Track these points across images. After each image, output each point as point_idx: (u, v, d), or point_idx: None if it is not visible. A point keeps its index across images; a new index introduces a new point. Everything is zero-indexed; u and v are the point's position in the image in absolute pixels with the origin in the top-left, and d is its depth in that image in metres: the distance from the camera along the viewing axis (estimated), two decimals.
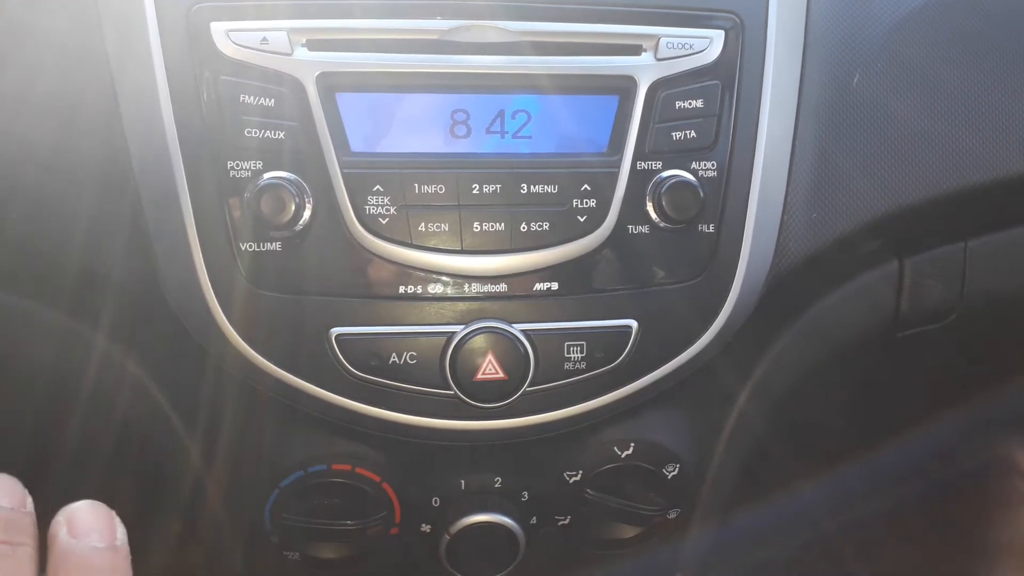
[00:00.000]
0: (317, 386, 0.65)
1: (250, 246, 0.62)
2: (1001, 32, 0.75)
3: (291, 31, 0.61)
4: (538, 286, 0.66)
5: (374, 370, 0.64)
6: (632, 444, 0.75)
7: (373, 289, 0.64)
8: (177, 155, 0.61)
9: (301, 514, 0.72)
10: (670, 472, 0.76)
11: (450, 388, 0.65)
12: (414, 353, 0.65)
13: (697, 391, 0.76)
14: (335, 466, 0.71)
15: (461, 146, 0.65)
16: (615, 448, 0.75)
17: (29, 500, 0.46)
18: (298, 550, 0.74)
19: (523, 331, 0.65)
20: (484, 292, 0.65)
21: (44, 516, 0.47)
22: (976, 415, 1.10)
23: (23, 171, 0.63)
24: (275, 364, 0.64)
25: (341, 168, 0.62)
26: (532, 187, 0.65)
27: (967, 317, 0.86)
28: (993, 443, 1.14)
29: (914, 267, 0.83)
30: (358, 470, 0.71)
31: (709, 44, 0.66)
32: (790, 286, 0.74)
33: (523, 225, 0.65)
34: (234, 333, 0.63)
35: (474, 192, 0.64)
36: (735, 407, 0.80)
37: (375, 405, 0.65)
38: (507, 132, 0.65)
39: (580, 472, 0.74)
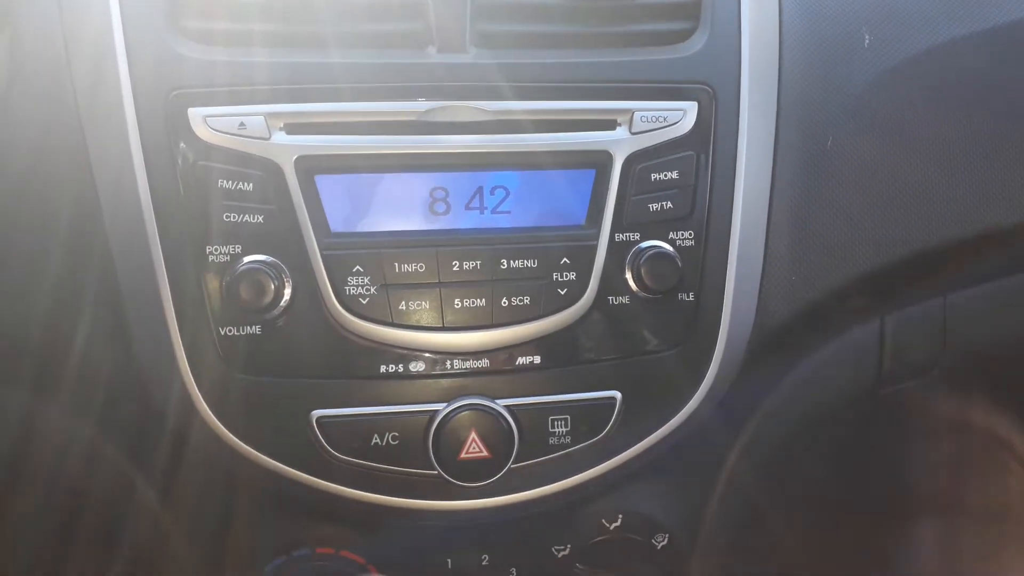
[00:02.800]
0: (299, 470, 0.64)
1: (230, 330, 0.62)
2: (974, 87, 0.77)
3: (268, 115, 0.62)
4: (520, 360, 0.66)
5: (356, 452, 0.64)
6: (620, 516, 0.74)
7: (354, 370, 0.64)
8: (155, 240, 0.62)
9: None
10: (659, 542, 0.76)
11: (433, 468, 0.64)
12: (396, 433, 0.64)
13: (684, 458, 0.75)
14: (319, 550, 0.70)
15: (441, 223, 0.66)
16: (603, 520, 0.74)
17: None
18: None
19: (506, 407, 0.65)
20: (466, 368, 0.65)
21: None
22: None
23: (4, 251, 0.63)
24: (256, 449, 0.63)
25: (320, 250, 0.63)
26: (512, 262, 0.65)
27: (950, 371, 0.87)
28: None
29: (895, 323, 0.84)
30: (343, 553, 0.70)
31: (683, 116, 0.67)
32: (774, 348, 0.74)
33: (504, 300, 0.65)
34: (214, 418, 0.63)
35: (455, 269, 0.64)
36: (723, 472, 0.80)
37: (358, 488, 0.65)
38: (486, 208, 0.66)
39: (568, 546, 0.74)
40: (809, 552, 0.98)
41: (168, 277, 0.62)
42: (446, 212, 0.65)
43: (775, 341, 0.74)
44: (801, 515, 0.96)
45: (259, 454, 0.63)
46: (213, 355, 0.62)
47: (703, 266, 0.68)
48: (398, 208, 0.65)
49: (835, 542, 1.00)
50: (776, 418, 0.81)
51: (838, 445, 0.92)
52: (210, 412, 0.63)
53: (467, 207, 0.66)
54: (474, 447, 0.64)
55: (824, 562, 1.01)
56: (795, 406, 0.82)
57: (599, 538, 0.74)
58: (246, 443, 0.63)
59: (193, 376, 0.62)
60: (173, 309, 0.62)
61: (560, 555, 0.74)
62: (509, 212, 0.66)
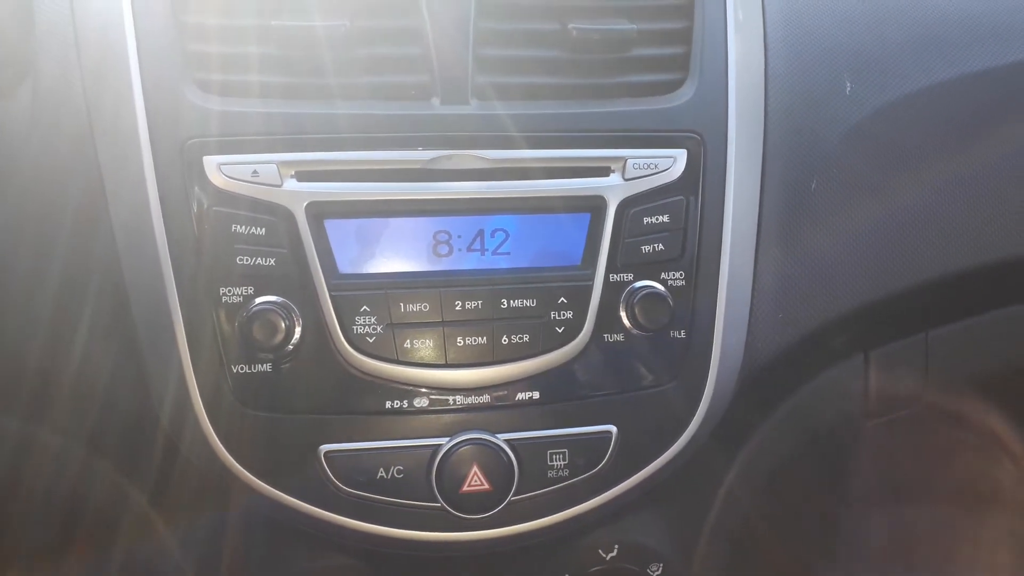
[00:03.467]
0: (307, 503, 0.66)
1: (242, 368, 0.65)
2: (951, 135, 0.79)
3: (280, 163, 0.65)
4: (520, 396, 0.68)
5: (363, 485, 0.66)
6: (616, 546, 0.76)
7: (361, 405, 0.66)
8: (171, 282, 0.64)
9: None
10: (654, 572, 0.78)
11: (436, 500, 0.67)
12: (401, 467, 0.66)
13: (678, 489, 0.78)
14: None
15: (444, 264, 0.68)
16: (600, 550, 0.76)
17: None
18: None
19: (507, 441, 0.68)
20: (468, 403, 0.68)
21: None
22: None
23: (19, 294, 0.65)
24: (266, 483, 0.66)
25: (330, 290, 0.65)
26: (512, 301, 0.68)
27: (933, 403, 0.89)
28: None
29: (878, 358, 0.86)
30: None
31: (673, 163, 0.70)
32: (762, 383, 0.77)
33: (504, 338, 0.68)
34: (226, 453, 0.65)
35: (457, 308, 0.67)
36: (716, 501, 0.82)
37: (364, 520, 0.67)
38: (487, 250, 0.69)
39: None
40: None
41: (183, 317, 0.64)
42: (448, 254, 0.68)
43: (764, 375, 0.76)
44: (794, 541, 0.98)
45: (269, 487, 0.66)
46: (226, 392, 0.65)
47: (694, 305, 0.71)
48: (403, 251, 0.68)
49: (832, 567, 1.02)
50: (766, 449, 0.83)
51: (830, 471, 0.94)
52: (223, 447, 0.65)
53: (469, 249, 0.68)
54: (476, 480, 0.66)
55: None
56: (784, 437, 0.84)
57: (596, 568, 0.76)
58: (257, 477, 0.66)
59: (207, 413, 0.65)
60: (188, 348, 0.64)
61: None
62: (509, 254, 0.69)
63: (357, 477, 0.66)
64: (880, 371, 0.87)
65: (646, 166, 0.70)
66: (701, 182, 0.71)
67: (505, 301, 0.68)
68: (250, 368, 0.65)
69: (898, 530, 1.04)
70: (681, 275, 0.71)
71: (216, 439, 0.65)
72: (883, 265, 0.79)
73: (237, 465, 0.65)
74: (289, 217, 0.65)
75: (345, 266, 0.67)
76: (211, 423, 0.65)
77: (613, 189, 0.69)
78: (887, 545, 1.04)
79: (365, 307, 0.66)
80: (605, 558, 0.76)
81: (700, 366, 0.72)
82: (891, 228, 0.79)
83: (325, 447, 0.66)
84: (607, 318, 0.69)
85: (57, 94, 0.65)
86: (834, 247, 0.78)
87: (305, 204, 0.65)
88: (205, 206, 0.64)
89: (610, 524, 0.76)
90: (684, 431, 0.72)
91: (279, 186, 0.65)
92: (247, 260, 0.64)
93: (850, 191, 0.78)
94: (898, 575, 1.06)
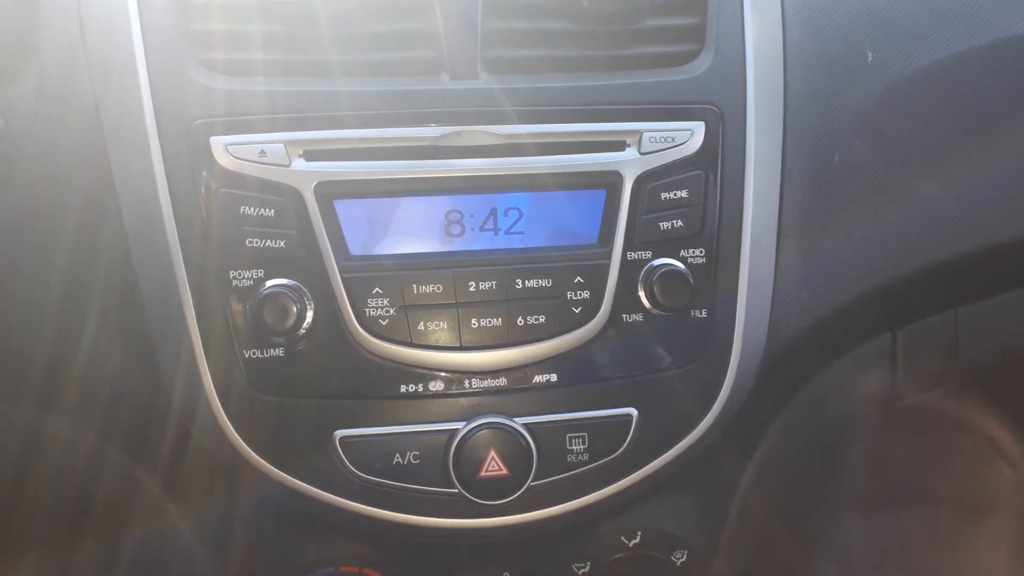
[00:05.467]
0: (323, 490, 0.65)
1: (254, 353, 0.63)
2: (976, 103, 0.77)
3: (288, 143, 0.63)
4: (537, 378, 0.67)
5: (378, 471, 0.65)
6: (639, 533, 0.75)
7: (375, 390, 0.65)
8: (180, 266, 0.63)
9: None
10: (678, 559, 0.76)
11: (454, 486, 0.65)
12: (417, 453, 0.65)
13: (701, 474, 0.76)
14: (343, 568, 0.70)
15: (456, 245, 0.67)
16: (622, 537, 0.74)
17: None
18: None
19: (524, 425, 0.66)
20: (484, 387, 0.66)
21: None
22: None
23: (29, 281, 0.64)
24: (281, 469, 0.64)
25: (341, 272, 0.64)
26: (527, 281, 0.66)
27: (963, 384, 0.87)
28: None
29: (907, 337, 0.84)
30: (365, 571, 0.71)
31: (691, 136, 0.68)
32: (786, 364, 0.74)
33: (520, 319, 0.66)
34: (240, 440, 0.64)
35: (471, 289, 0.66)
36: (740, 487, 0.80)
37: (380, 507, 0.65)
38: (500, 229, 0.67)
39: (588, 564, 0.74)
40: (828, 563, 0.98)
41: (193, 302, 0.63)
42: (461, 234, 0.67)
43: (788, 356, 0.74)
44: (819, 526, 0.96)
45: (284, 474, 0.64)
46: (238, 378, 0.64)
47: (715, 283, 0.69)
48: (415, 231, 0.66)
49: (855, 552, 1.00)
50: (791, 432, 0.81)
51: (855, 456, 0.92)
52: (236, 434, 0.64)
53: (481, 228, 0.67)
54: (493, 465, 0.65)
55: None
56: (809, 420, 0.82)
57: (618, 555, 0.74)
58: (272, 464, 0.64)
59: (219, 399, 0.63)
60: (199, 333, 0.63)
61: (580, 572, 0.74)
62: (523, 233, 0.68)
63: (373, 463, 0.65)
64: (907, 351, 0.85)
65: (663, 139, 0.68)
66: (720, 156, 0.69)
67: (520, 281, 0.66)
68: (262, 353, 0.64)
69: (929, 514, 1.01)
70: (701, 252, 0.69)
71: (229, 425, 0.64)
72: (912, 239, 0.76)
73: (250, 451, 0.64)
74: (298, 198, 0.63)
75: (356, 247, 0.65)
76: (223, 409, 0.64)
77: (629, 164, 0.67)
78: (918, 529, 1.01)
79: (377, 289, 0.64)
80: (628, 545, 0.74)
81: (722, 347, 0.70)
82: (920, 200, 0.76)
83: (340, 432, 0.64)
84: (625, 297, 0.67)
85: (62, 77, 0.64)
86: (860, 221, 0.75)
87: (314, 184, 0.63)
88: (213, 188, 0.63)
89: (633, 510, 0.74)
90: (707, 414, 0.70)
91: (287, 166, 0.63)
92: (256, 242, 0.63)
93: (875, 163, 0.76)
94: (931, 558, 1.04)
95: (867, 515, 1.00)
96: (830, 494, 0.95)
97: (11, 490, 0.71)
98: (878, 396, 0.85)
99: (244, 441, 0.64)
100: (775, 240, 0.72)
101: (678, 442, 0.69)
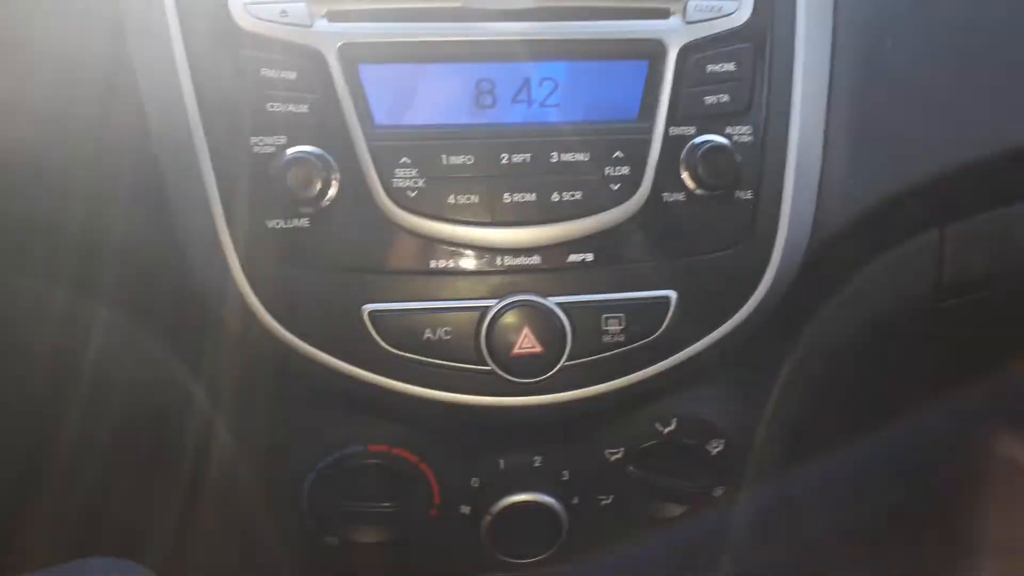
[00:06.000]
0: (351, 364, 0.63)
1: (278, 223, 0.61)
2: None
3: (310, 2, 0.60)
4: (572, 258, 0.64)
5: (409, 347, 0.63)
6: (675, 420, 0.73)
7: (404, 264, 0.63)
8: (199, 132, 0.61)
9: (338, 496, 0.71)
10: (714, 448, 0.74)
11: (486, 363, 0.63)
12: (449, 328, 0.63)
13: (740, 364, 0.73)
14: (371, 447, 0.70)
15: (488, 117, 0.64)
16: (657, 424, 0.73)
17: None
18: (336, 535, 0.73)
19: (558, 304, 0.64)
20: (517, 265, 0.64)
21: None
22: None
23: (45, 148, 0.62)
24: (307, 343, 0.63)
25: (367, 140, 0.61)
26: (563, 155, 0.63)
27: (1010, 286, 0.84)
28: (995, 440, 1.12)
29: (955, 235, 0.81)
30: (394, 451, 0.70)
31: (739, 6, 0.65)
32: (830, 255, 0.72)
33: (555, 195, 0.63)
34: (264, 312, 0.62)
35: (503, 162, 0.63)
36: (779, 380, 0.78)
37: (411, 383, 0.64)
38: (534, 101, 0.64)
39: (622, 450, 0.73)
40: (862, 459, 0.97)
41: (214, 170, 0.61)
42: (492, 105, 0.64)
43: (833, 246, 0.71)
44: (857, 423, 0.94)
45: (313, 349, 0.63)
46: (262, 249, 0.62)
47: (762, 163, 0.66)
48: (444, 100, 0.63)
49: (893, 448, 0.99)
50: (833, 327, 0.79)
51: (895, 354, 0.89)
52: (261, 307, 0.62)
53: (514, 100, 0.64)
54: (527, 342, 0.63)
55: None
56: (852, 315, 0.79)
57: (652, 442, 0.73)
58: (299, 338, 0.63)
59: (243, 271, 0.62)
60: (220, 203, 0.61)
61: (612, 458, 0.73)
62: (558, 105, 0.64)
63: (403, 338, 0.63)
64: (956, 248, 0.82)
65: (709, 9, 0.64)
66: (770, 29, 0.66)
67: (555, 154, 0.63)
68: (286, 223, 0.61)
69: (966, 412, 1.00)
70: (748, 130, 0.65)
71: (254, 297, 0.62)
72: (967, 128, 0.73)
73: (277, 325, 0.62)
74: (321, 60, 0.60)
75: (382, 116, 0.63)
76: (248, 280, 0.62)
77: (673, 33, 0.64)
78: (951, 427, 1.00)
79: (405, 159, 0.62)
80: (662, 432, 0.73)
81: (767, 231, 0.67)
82: (977, 87, 0.73)
83: (369, 307, 0.63)
84: (667, 175, 0.64)
85: None
86: (912, 110, 0.72)
87: (337, 46, 0.60)
88: (232, 50, 0.60)
89: (669, 397, 0.72)
90: (748, 300, 0.67)
91: (309, 27, 0.60)
92: (278, 107, 0.60)
93: (930, 48, 0.72)
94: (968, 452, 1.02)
95: (904, 414, 0.98)
96: (869, 392, 0.93)
97: (49, 380, 0.70)
98: (922, 295, 0.83)
99: (270, 315, 0.62)
100: (824, 122, 0.69)
101: (717, 328, 0.67)
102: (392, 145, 0.62)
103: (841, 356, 0.81)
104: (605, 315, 0.65)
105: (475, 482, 0.73)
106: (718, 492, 0.77)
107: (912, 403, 0.97)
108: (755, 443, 0.79)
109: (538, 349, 0.63)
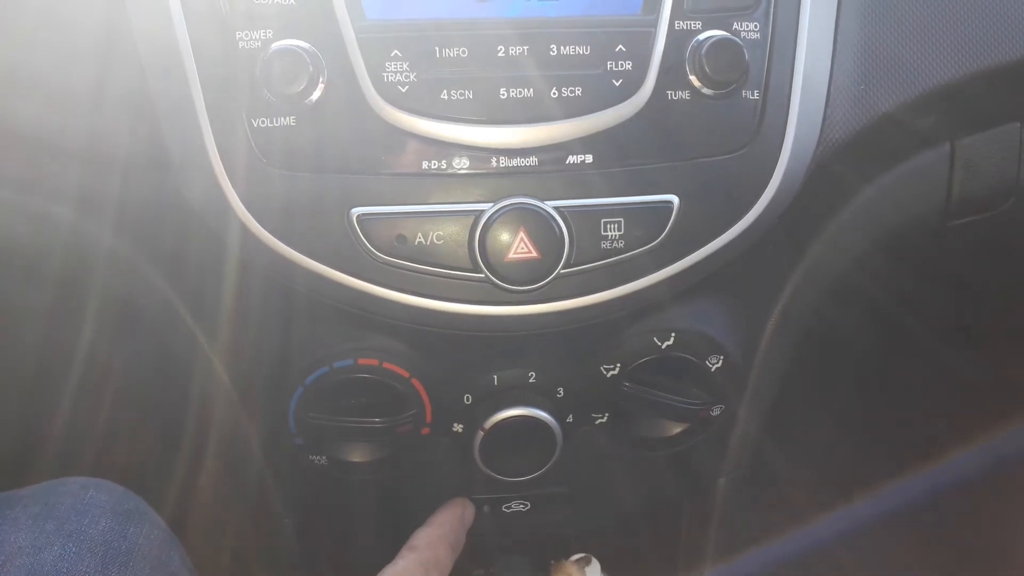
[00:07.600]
0: (339, 271, 0.60)
1: (263, 122, 0.58)
2: None
3: None
4: (571, 159, 0.61)
5: (399, 252, 0.60)
6: (673, 334, 0.70)
7: (394, 165, 0.60)
8: (182, 28, 0.57)
9: (327, 413, 0.68)
10: (713, 364, 0.72)
11: (480, 270, 0.60)
12: (440, 233, 0.60)
13: (743, 278, 0.71)
14: (361, 361, 0.67)
15: (485, 10, 0.60)
16: (655, 339, 0.70)
17: None
18: (325, 453, 0.71)
19: (556, 208, 0.61)
20: (513, 166, 0.60)
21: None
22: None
23: (19, 53, 0.59)
24: (293, 247, 0.60)
25: (356, 33, 0.58)
26: (562, 48, 0.60)
27: (1019, 204, 0.81)
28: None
29: (967, 148, 0.78)
30: (386, 365, 0.67)
31: None
32: (838, 165, 0.69)
33: (553, 91, 0.60)
34: (248, 215, 0.59)
35: (499, 55, 0.59)
36: (782, 296, 0.75)
37: (401, 290, 0.61)
38: None
39: (618, 365, 0.70)
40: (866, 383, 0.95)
41: (197, 67, 0.57)
42: None
43: (841, 155, 0.68)
44: (861, 346, 0.93)
45: (298, 254, 0.60)
46: (246, 149, 0.58)
47: (769, 62, 0.63)
48: None
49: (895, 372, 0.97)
50: (840, 242, 0.76)
51: (902, 280, 0.87)
52: (246, 210, 0.59)
53: None
54: (522, 247, 0.60)
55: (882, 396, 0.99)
56: (860, 231, 0.77)
57: (650, 357, 0.71)
58: (284, 242, 0.60)
59: (226, 171, 0.58)
60: (203, 100, 0.58)
61: (609, 374, 0.71)
62: (557, 1, 0.61)
63: (393, 243, 0.60)
64: (968, 162, 0.79)
65: None
66: None
67: (554, 47, 0.60)
68: (272, 121, 0.58)
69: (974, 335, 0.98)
70: (756, 27, 0.62)
71: (237, 200, 0.59)
72: (981, 37, 0.70)
73: (263, 230, 0.59)
74: None
75: (373, 8, 0.59)
76: (231, 182, 0.58)
77: None
78: (958, 356, 0.98)
79: (396, 52, 0.58)
80: (660, 346, 0.71)
81: (774, 133, 0.63)
82: None
83: (357, 210, 0.59)
84: (672, 72, 0.61)
85: None
86: (924, 16, 0.69)
87: None
88: None
89: (667, 311, 0.70)
90: (752, 206, 0.64)
91: None
92: None
93: None
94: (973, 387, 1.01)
95: (907, 347, 0.96)
96: (872, 319, 0.91)
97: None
98: (932, 212, 0.80)
99: (254, 218, 0.59)
100: (834, 24, 0.66)
101: (721, 234, 0.64)
102: (382, 37, 0.58)
103: (847, 279, 0.79)
104: (604, 220, 0.61)
105: (468, 398, 0.70)
106: (716, 411, 0.75)
107: (916, 346, 0.96)
108: (755, 361, 0.77)
109: (534, 255, 0.60)
